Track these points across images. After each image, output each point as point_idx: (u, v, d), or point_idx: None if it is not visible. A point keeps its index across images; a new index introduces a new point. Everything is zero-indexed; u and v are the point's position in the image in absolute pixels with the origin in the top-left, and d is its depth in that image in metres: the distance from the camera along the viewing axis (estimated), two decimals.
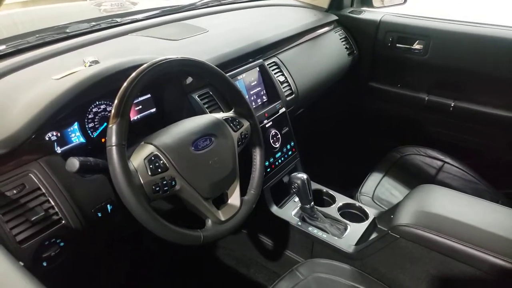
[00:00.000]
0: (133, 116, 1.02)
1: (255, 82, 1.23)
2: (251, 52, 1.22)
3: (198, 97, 1.05)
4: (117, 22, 1.27)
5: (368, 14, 1.73)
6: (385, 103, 1.76)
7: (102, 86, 0.83)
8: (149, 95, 1.06)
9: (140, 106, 1.05)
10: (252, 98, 1.22)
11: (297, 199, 1.25)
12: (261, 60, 1.25)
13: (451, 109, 1.57)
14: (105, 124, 0.94)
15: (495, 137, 1.55)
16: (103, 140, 0.94)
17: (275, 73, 1.28)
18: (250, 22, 1.47)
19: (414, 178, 1.40)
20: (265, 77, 1.25)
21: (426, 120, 1.68)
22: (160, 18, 1.37)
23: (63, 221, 0.75)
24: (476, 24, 1.52)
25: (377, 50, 1.70)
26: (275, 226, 1.23)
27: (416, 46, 1.61)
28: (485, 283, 0.84)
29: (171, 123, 0.86)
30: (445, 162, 1.50)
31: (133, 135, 0.78)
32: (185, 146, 0.80)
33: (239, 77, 1.17)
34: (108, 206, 0.83)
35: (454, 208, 0.98)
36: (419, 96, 1.64)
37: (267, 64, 1.27)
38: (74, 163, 0.70)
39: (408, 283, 0.98)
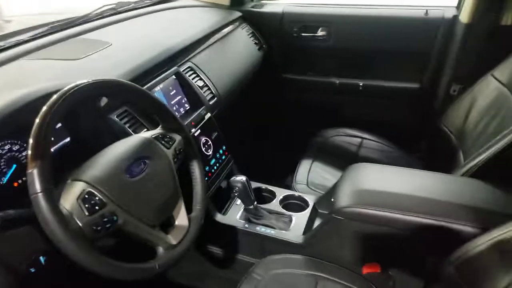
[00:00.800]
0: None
1: (174, 91, 1.18)
2: (163, 60, 1.16)
3: (117, 117, 0.96)
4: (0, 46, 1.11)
5: (270, 7, 1.76)
6: (301, 92, 1.83)
7: (5, 125, 0.72)
8: (59, 124, 0.95)
9: (52, 138, 0.93)
10: (175, 108, 1.16)
11: (239, 201, 1.23)
12: (175, 67, 1.20)
13: (360, 88, 1.68)
14: (15, 165, 0.82)
15: (401, 107, 1.70)
16: (15, 184, 0.82)
17: (192, 79, 1.24)
18: (155, 29, 1.39)
19: (339, 158, 1.48)
20: (183, 84, 1.20)
21: (340, 102, 1.78)
22: (51, 36, 1.22)
23: None
24: (371, 6, 1.63)
25: (285, 42, 1.74)
26: (223, 234, 1.20)
27: (320, 33, 1.68)
28: (430, 245, 0.92)
29: (90, 151, 0.78)
30: (363, 138, 1.61)
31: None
32: (119, 175, 0.73)
33: (156, 89, 1.11)
34: (41, 258, 0.73)
35: (385, 182, 1.05)
36: (331, 80, 1.73)
37: (183, 70, 1.22)
38: None
39: (358, 259, 1.03)
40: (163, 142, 0.85)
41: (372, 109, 1.74)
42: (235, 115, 1.65)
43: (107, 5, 1.49)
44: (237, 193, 1.11)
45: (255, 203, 1.15)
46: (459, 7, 1.51)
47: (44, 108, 0.65)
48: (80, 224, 0.64)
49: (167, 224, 0.81)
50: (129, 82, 0.83)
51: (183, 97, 1.20)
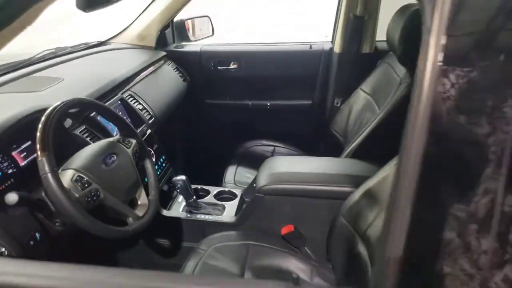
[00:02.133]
0: (21, 163, 1.12)
1: (120, 113, 1.45)
2: (109, 90, 1.44)
3: (80, 133, 1.22)
4: None
5: (189, 47, 2.13)
6: (222, 113, 2.19)
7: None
8: (29, 142, 1.17)
9: (25, 153, 1.15)
10: None
11: (180, 198, 1.51)
12: (120, 95, 1.48)
13: (268, 107, 2.10)
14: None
15: (300, 119, 2.15)
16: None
17: (133, 103, 1.53)
18: (98, 66, 1.66)
19: (257, 161, 1.83)
20: (127, 108, 1.49)
21: (254, 119, 2.17)
22: (3, 77, 1.40)
23: (5, 251, 0.85)
24: (270, 43, 2.09)
25: (204, 74, 2.11)
26: (168, 226, 1.46)
27: (232, 66, 2.08)
28: (332, 207, 1.26)
29: (61, 157, 1.02)
30: (274, 146, 2.00)
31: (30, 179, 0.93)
32: (98, 165, 0.99)
33: None
34: (37, 234, 0.95)
35: (291, 165, 1.43)
36: (245, 102, 2.12)
37: (125, 97, 1.51)
38: (13, 196, 0.83)
39: (278, 225, 1.36)
40: (123, 144, 1.13)
41: (279, 123, 2.16)
42: (171, 132, 1.94)
43: (47, 50, 1.72)
44: (179, 189, 1.40)
45: (194, 197, 1.44)
46: (333, 41, 2.02)
47: (43, 118, 0.90)
48: (77, 195, 0.89)
49: (133, 203, 1.08)
50: (99, 102, 1.11)
51: (127, 117, 1.48)
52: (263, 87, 2.09)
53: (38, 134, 0.87)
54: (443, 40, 0.46)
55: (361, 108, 1.75)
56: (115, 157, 1.05)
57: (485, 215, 0.48)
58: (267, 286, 0.60)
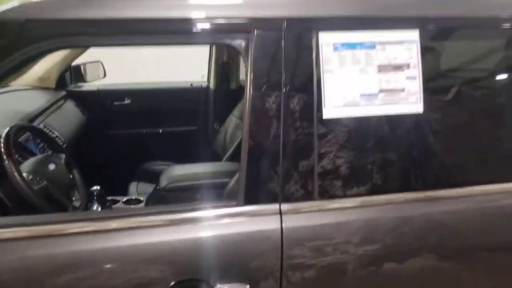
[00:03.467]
0: None
1: (39, 140, 1.76)
2: (27, 122, 1.75)
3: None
4: None
5: (87, 86, 2.48)
6: (123, 141, 2.55)
7: None
8: None
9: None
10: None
11: (95, 206, 1.85)
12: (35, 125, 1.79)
13: (160, 132, 2.56)
14: None
15: (187, 142, 2.64)
16: None
17: (49, 133, 1.84)
18: (7, 104, 1.92)
19: (155, 177, 2.25)
20: (43, 136, 1.80)
21: (150, 144, 2.59)
22: None
23: None
24: (158, 83, 2.58)
25: (103, 109, 2.47)
26: None
27: (126, 101, 2.50)
28: (218, 196, 1.77)
29: None
30: (169, 165, 2.44)
31: None
32: (46, 167, 1.34)
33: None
34: None
35: (188, 169, 1.90)
36: (141, 131, 2.54)
37: (41, 128, 1.81)
38: None
39: None
40: (57, 157, 1.47)
41: (171, 146, 2.62)
42: (83, 158, 2.22)
43: None
44: (95, 197, 1.74)
45: (108, 203, 1.80)
46: (208, 80, 2.60)
47: (4, 135, 1.23)
48: (34, 188, 1.23)
49: (70, 199, 1.43)
50: (35, 125, 1.45)
51: (44, 144, 1.79)
52: (154, 117, 2.54)
53: (2, 145, 1.20)
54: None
55: (233, 129, 2.33)
56: (56, 162, 1.40)
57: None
58: None
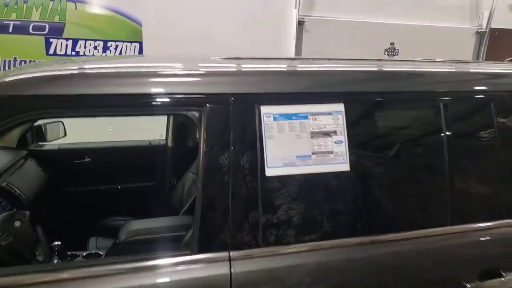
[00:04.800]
0: None
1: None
2: None
3: None
4: None
5: (48, 146, 2.56)
6: (82, 197, 2.59)
7: None
8: None
9: None
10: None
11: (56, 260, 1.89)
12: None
13: (119, 188, 2.65)
14: None
15: (147, 197, 2.74)
16: None
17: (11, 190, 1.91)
18: None
19: (114, 232, 2.32)
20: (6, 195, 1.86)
21: (109, 200, 2.65)
22: None
23: None
24: (116, 141, 2.71)
25: (63, 166, 2.54)
26: None
27: (87, 159, 2.60)
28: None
29: None
30: (127, 219, 2.52)
31: None
32: (10, 226, 1.41)
33: None
34: None
35: (146, 223, 2.00)
36: (100, 187, 2.62)
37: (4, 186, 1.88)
38: None
39: None
40: (22, 214, 1.55)
41: (130, 203, 2.70)
42: (44, 214, 2.25)
43: None
44: (56, 252, 1.80)
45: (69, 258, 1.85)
46: (167, 139, 2.77)
47: None
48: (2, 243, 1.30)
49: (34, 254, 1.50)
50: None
51: (7, 202, 1.85)
52: (114, 174, 2.64)
53: None
54: None
55: (190, 184, 2.48)
56: (19, 222, 1.48)
57: None
58: None
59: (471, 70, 1.90)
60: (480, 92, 1.55)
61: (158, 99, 1.22)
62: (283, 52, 4.81)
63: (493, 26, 5.13)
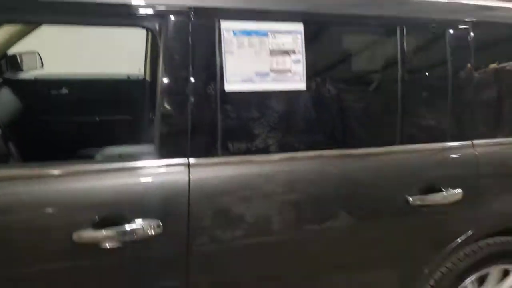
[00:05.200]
0: None
1: None
2: None
3: None
4: None
5: (25, 75, 2.57)
6: (59, 128, 2.66)
7: None
8: None
9: None
10: None
11: None
12: None
13: (97, 121, 2.70)
14: None
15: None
16: None
17: None
18: None
19: None
20: None
21: (88, 132, 2.72)
22: None
23: None
24: (97, 74, 2.72)
25: (42, 98, 2.58)
26: None
27: (64, 91, 2.62)
28: None
29: None
30: None
31: None
32: None
33: None
34: None
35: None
36: (77, 119, 2.67)
37: None
38: None
39: None
40: None
41: (107, 135, 2.77)
42: (18, 144, 2.31)
43: None
44: None
45: None
46: (145, 73, 2.79)
47: None
48: None
49: None
50: None
51: None
52: (91, 106, 2.69)
53: None
54: None
55: None
56: None
57: None
58: None
59: None
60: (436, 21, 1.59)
61: (118, 9, 1.25)
62: None
63: None
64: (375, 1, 1.52)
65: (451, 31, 1.56)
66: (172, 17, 1.27)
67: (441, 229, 1.63)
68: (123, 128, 2.79)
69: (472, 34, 1.60)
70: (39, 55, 2.72)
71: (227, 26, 1.33)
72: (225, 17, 1.32)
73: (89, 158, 2.06)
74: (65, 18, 1.25)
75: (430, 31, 1.58)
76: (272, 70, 1.38)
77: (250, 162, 1.37)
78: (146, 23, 1.29)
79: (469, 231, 1.64)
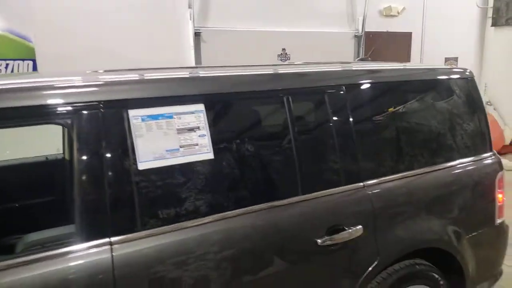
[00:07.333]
0: None
1: None
2: None
3: None
4: None
5: None
6: None
7: None
8: None
9: None
10: None
11: None
12: None
13: (17, 206, 2.64)
14: None
15: None
16: None
17: None
18: None
19: None
20: None
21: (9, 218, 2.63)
22: None
23: None
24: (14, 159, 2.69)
25: None
26: None
27: None
28: None
29: None
30: None
31: None
32: None
33: None
34: None
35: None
36: None
37: None
38: None
39: None
40: None
41: (28, 221, 2.70)
42: None
43: None
44: None
45: None
46: (64, 152, 2.81)
47: None
48: None
49: None
50: None
51: None
52: (10, 192, 2.63)
53: None
54: None
55: None
56: None
57: None
58: None
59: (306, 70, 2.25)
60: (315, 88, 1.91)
61: (36, 110, 1.36)
62: (185, 62, 5.04)
63: (367, 30, 5.88)
64: (262, 77, 1.80)
65: (329, 94, 1.88)
66: (83, 112, 1.41)
67: (353, 262, 1.86)
68: (44, 211, 2.75)
69: (347, 94, 1.93)
70: None
71: (134, 114, 1.49)
72: (132, 106, 1.49)
73: (10, 249, 2.04)
74: None
75: (312, 97, 1.89)
76: (181, 146, 1.56)
77: (167, 231, 1.49)
78: (59, 120, 1.41)
79: (375, 261, 1.88)
